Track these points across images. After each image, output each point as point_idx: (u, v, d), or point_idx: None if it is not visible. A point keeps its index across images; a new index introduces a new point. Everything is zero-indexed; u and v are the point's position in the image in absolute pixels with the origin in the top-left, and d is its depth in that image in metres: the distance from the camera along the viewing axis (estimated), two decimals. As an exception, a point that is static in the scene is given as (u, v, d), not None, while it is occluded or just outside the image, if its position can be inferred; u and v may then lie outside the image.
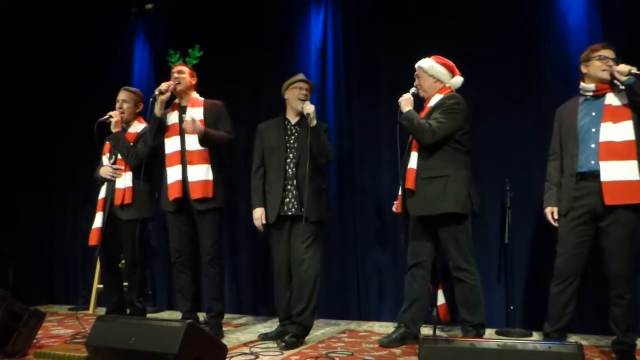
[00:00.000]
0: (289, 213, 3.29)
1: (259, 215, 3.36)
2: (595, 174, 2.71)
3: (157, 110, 3.41)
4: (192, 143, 3.39)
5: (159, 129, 3.45)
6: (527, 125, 3.73)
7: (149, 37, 5.25)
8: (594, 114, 2.80)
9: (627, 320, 2.68)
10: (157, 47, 5.20)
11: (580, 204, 2.78)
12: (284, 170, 3.31)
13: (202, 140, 3.35)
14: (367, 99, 4.27)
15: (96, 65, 5.32)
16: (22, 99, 5.37)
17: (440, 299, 3.51)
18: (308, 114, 3.23)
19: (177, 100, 3.55)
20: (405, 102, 3.13)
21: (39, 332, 3.17)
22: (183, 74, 3.52)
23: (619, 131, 2.69)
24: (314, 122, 3.23)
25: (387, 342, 3.17)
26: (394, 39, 4.16)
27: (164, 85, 3.42)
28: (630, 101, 2.69)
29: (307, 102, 3.30)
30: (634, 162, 2.64)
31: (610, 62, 2.74)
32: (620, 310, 2.69)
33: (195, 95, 3.58)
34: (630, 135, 2.67)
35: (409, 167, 3.10)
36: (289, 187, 3.30)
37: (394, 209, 3.43)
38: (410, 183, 3.06)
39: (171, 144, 3.46)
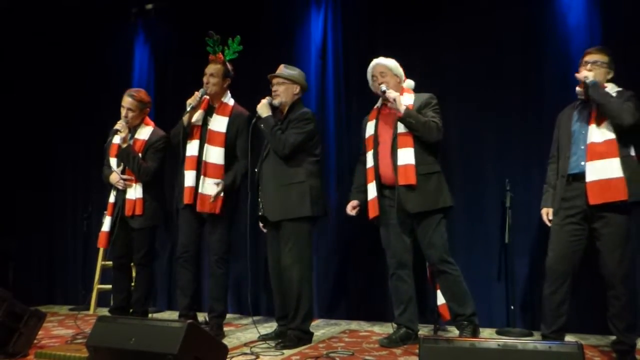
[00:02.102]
0: (260, 213, 3.30)
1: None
2: (584, 175, 2.75)
3: (185, 120, 3.41)
4: (211, 154, 3.37)
5: (185, 137, 3.45)
6: (527, 125, 3.73)
7: (149, 37, 5.25)
8: (584, 116, 2.85)
9: (625, 320, 2.69)
10: (157, 47, 5.21)
11: (570, 205, 2.81)
12: (258, 170, 3.32)
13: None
14: (366, 99, 4.24)
15: (96, 65, 5.31)
16: (22, 98, 5.37)
17: (441, 299, 3.50)
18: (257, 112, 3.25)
19: (207, 96, 3.49)
20: (400, 99, 3.10)
21: (40, 332, 3.17)
22: (214, 78, 3.42)
23: (601, 131, 2.73)
24: (263, 116, 3.22)
25: (388, 343, 3.17)
26: (394, 39, 4.16)
27: (195, 100, 3.37)
28: None
29: (263, 100, 3.28)
30: (616, 160, 2.67)
31: (587, 67, 2.81)
32: (617, 310, 2.69)
33: (226, 98, 3.51)
34: (611, 134, 2.70)
35: (403, 163, 3.07)
36: (260, 187, 3.30)
37: (352, 212, 3.36)
38: (410, 179, 3.04)
39: (191, 148, 3.43)
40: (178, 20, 5.03)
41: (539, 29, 3.77)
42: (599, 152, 2.70)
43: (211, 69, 3.45)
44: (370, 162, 3.24)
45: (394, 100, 3.09)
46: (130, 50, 5.29)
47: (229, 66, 3.53)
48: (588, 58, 2.85)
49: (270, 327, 3.77)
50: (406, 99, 3.17)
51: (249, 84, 4.62)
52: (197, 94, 3.40)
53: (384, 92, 3.15)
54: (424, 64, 3.90)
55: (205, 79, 3.44)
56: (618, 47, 3.39)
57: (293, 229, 3.17)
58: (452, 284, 3.09)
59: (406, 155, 3.08)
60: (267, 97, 3.29)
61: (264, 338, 3.32)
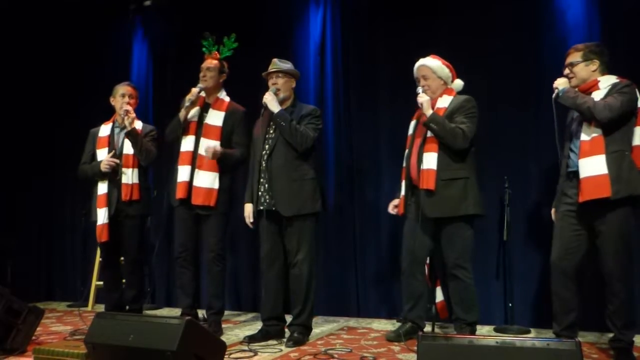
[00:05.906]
0: (261, 207, 3.22)
1: (247, 212, 3.35)
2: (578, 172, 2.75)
3: (182, 116, 3.43)
4: (206, 147, 3.37)
5: (182, 132, 3.47)
6: (526, 122, 3.73)
7: (148, 33, 5.24)
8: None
9: (623, 318, 2.69)
10: (155, 43, 5.19)
11: (569, 201, 2.82)
12: (259, 162, 3.25)
13: (219, 162, 3.38)
14: (366, 96, 4.26)
15: (95, 62, 5.29)
16: (21, 96, 5.35)
17: (439, 296, 3.51)
18: (265, 104, 3.19)
19: (203, 93, 3.51)
20: (427, 103, 3.07)
21: (38, 328, 3.17)
22: (211, 72, 3.48)
23: (589, 129, 2.73)
24: (275, 111, 3.17)
25: (395, 337, 3.19)
26: (393, 36, 4.16)
27: (193, 95, 3.41)
28: None
29: (268, 92, 3.22)
30: (601, 157, 2.65)
31: (565, 71, 2.88)
32: (615, 307, 2.69)
33: (221, 94, 3.55)
34: (598, 131, 2.69)
35: (425, 167, 3.06)
36: (261, 180, 3.23)
37: (392, 210, 3.39)
38: (430, 184, 3.03)
39: (186, 143, 3.45)
40: (176, 16, 5.01)
41: (538, 26, 3.76)
42: (586, 150, 2.71)
43: (208, 63, 3.53)
44: (404, 162, 3.28)
45: (421, 105, 3.08)
46: (128, 47, 5.27)
47: (225, 64, 3.60)
48: (566, 62, 2.89)
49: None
50: (443, 102, 3.14)
51: (247, 81, 4.61)
52: (195, 90, 3.43)
53: (417, 94, 3.14)
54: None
55: (202, 74, 3.49)
56: (617, 46, 3.39)
57: (304, 225, 3.18)
58: (462, 291, 3.09)
59: (429, 160, 3.06)
60: (272, 89, 3.23)
61: (249, 340, 3.19)
